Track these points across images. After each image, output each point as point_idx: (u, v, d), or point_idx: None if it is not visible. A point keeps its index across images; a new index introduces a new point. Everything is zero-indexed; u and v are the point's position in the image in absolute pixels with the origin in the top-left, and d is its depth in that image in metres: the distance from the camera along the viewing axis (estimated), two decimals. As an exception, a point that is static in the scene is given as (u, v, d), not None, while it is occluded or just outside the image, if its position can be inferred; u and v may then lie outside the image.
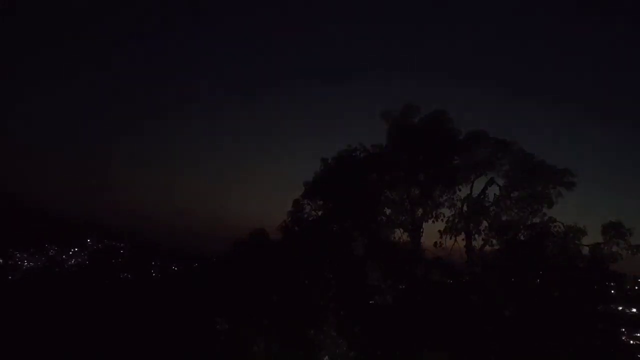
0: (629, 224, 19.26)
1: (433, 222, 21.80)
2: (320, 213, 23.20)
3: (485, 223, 21.27)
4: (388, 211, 22.59)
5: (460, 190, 21.78)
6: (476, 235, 21.29)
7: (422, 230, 22.12)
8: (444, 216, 21.65)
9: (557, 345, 18.15)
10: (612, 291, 21.18)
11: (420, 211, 21.99)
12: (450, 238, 21.39)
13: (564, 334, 18.42)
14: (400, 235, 22.30)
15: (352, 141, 23.15)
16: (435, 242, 21.42)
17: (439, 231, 21.45)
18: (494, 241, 21.02)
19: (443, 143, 21.60)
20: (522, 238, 20.72)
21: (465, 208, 21.54)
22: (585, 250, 19.91)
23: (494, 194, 21.54)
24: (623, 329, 23.07)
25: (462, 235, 21.42)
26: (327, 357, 19.25)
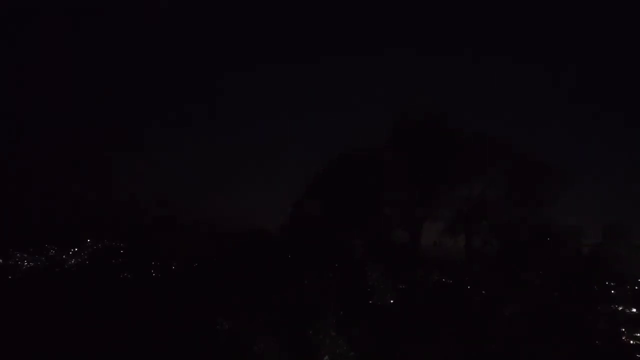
0: (628, 224, 19.34)
1: (432, 222, 21.87)
2: (320, 213, 23.21)
3: (485, 223, 21.30)
4: (388, 211, 22.65)
5: (460, 190, 21.85)
6: (476, 236, 21.33)
7: (422, 230, 22.17)
8: (444, 216, 21.72)
9: (557, 345, 18.15)
10: (612, 291, 21.17)
11: (420, 211, 22.02)
12: (450, 238, 21.47)
13: (564, 334, 18.42)
14: (400, 235, 22.39)
15: (352, 141, 23.20)
16: (435, 242, 21.49)
17: (439, 231, 21.52)
18: (494, 241, 21.06)
19: (443, 143, 21.63)
20: (522, 238, 20.72)
21: (465, 208, 21.58)
22: (586, 250, 19.94)
23: (494, 194, 21.60)
24: (623, 329, 23.05)
25: (462, 235, 21.48)
26: (327, 357, 19.25)
